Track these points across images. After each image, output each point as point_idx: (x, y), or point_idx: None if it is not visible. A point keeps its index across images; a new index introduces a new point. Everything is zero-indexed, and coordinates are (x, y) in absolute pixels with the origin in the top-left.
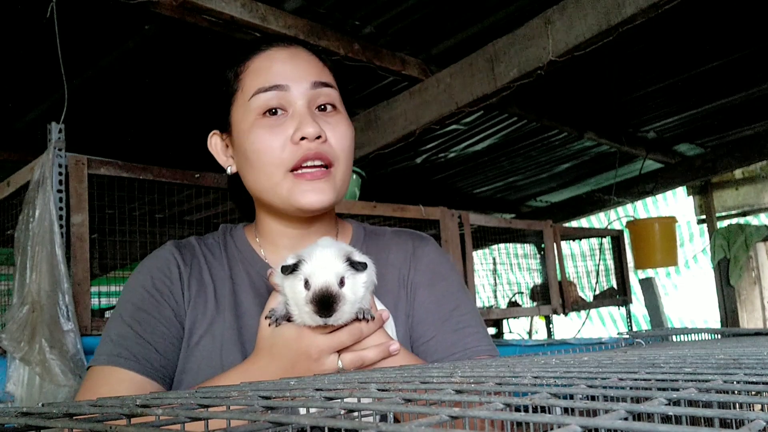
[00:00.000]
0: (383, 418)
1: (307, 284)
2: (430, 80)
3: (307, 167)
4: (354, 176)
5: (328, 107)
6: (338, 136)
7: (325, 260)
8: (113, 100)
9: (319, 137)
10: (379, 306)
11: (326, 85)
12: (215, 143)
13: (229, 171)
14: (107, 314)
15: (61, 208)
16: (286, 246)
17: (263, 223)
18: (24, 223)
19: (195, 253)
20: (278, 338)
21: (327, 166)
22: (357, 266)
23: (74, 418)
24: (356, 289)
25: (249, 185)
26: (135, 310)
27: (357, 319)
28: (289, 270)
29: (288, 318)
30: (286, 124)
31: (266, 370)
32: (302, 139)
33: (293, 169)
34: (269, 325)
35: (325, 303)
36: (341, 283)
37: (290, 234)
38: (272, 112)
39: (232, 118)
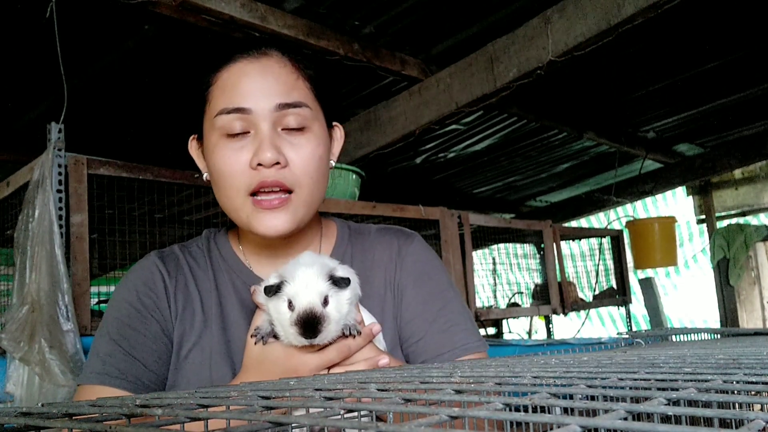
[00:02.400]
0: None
1: (290, 305)
2: (429, 80)
3: (265, 192)
4: (354, 176)
5: (299, 128)
6: (303, 158)
7: (308, 280)
8: (113, 100)
9: (277, 163)
10: (369, 318)
11: (294, 105)
12: (195, 148)
13: (204, 177)
14: None
15: (60, 208)
16: (270, 254)
17: (245, 232)
18: (23, 223)
19: (179, 263)
20: (267, 357)
21: (287, 191)
22: (340, 283)
23: (74, 418)
24: (340, 307)
25: (218, 200)
26: (121, 326)
27: (344, 335)
28: (273, 291)
29: (274, 335)
30: (247, 147)
31: (255, 377)
32: (260, 164)
33: (253, 193)
34: (255, 343)
35: (309, 325)
36: (325, 301)
37: (270, 245)
38: (238, 133)
39: (204, 128)
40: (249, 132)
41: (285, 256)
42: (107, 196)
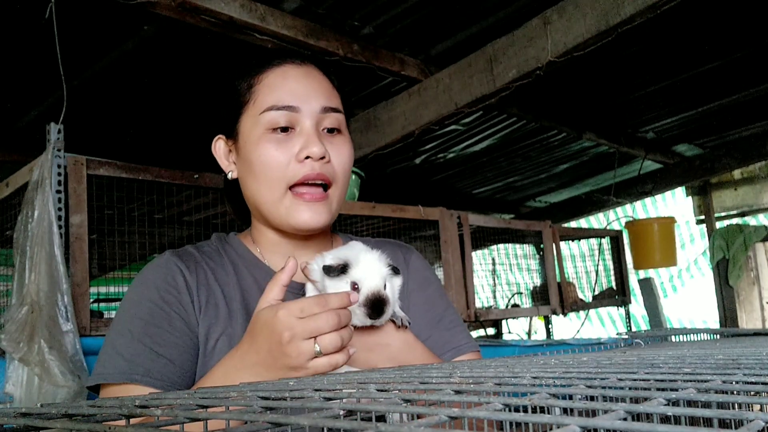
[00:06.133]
0: (379, 418)
1: (354, 287)
2: (429, 81)
3: (307, 185)
4: (353, 176)
5: (334, 130)
6: (340, 157)
7: (373, 264)
8: (112, 100)
9: (323, 157)
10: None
11: (334, 110)
12: (219, 147)
13: (230, 176)
14: (106, 315)
15: (60, 209)
16: (285, 254)
17: (261, 232)
18: (23, 224)
19: (197, 260)
20: (258, 321)
21: (326, 185)
22: (395, 270)
23: (73, 418)
24: (394, 292)
25: (249, 195)
26: (145, 325)
27: (393, 322)
28: (336, 272)
29: None
30: (292, 142)
31: (246, 353)
32: (307, 157)
33: (294, 186)
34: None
35: (377, 307)
36: (384, 286)
37: (288, 244)
38: (282, 129)
39: (240, 127)
40: (294, 129)
41: (300, 257)
42: (107, 197)
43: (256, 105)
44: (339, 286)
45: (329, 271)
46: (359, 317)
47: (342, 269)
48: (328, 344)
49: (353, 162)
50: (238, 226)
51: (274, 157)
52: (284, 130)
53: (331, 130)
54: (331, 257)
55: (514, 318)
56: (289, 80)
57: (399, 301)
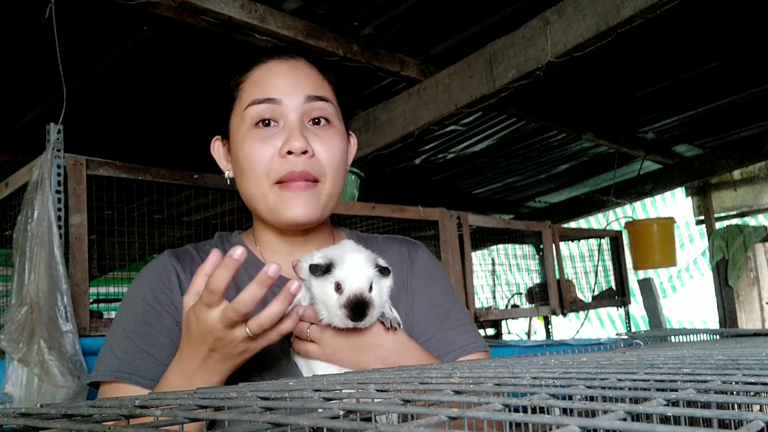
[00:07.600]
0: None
1: (338, 288)
2: (428, 81)
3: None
4: (353, 177)
5: (322, 121)
6: (328, 150)
7: (357, 265)
8: (112, 100)
9: (305, 152)
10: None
11: (321, 99)
12: (217, 148)
13: (227, 176)
14: (106, 315)
15: (59, 209)
16: (285, 252)
17: (261, 231)
18: (22, 224)
19: (194, 260)
20: (188, 320)
21: (313, 181)
22: (383, 271)
23: (73, 418)
24: (381, 294)
25: (242, 193)
26: (137, 324)
27: (382, 324)
28: (321, 272)
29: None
30: (276, 136)
31: (188, 351)
32: (289, 153)
33: (279, 182)
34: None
35: (359, 309)
36: (369, 288)
37: (287, 242)
38: (265, 123)
39: (231, 125)
40: (278, 123)
41: (300, 255)
42: (106, 197)
43: (242, 101)
44: (323, 285)
45: (314, 270)
46: (341, 319)
47: (326, 269)
48: (255, 326)
49: (346, 155)
50: (240, 226)
51: (257, 152)
52: (267, 124)
53: (318, 122)
54: (320, 256)
55: (513, 318)
56: (274, 75)
57: (389, 302)
